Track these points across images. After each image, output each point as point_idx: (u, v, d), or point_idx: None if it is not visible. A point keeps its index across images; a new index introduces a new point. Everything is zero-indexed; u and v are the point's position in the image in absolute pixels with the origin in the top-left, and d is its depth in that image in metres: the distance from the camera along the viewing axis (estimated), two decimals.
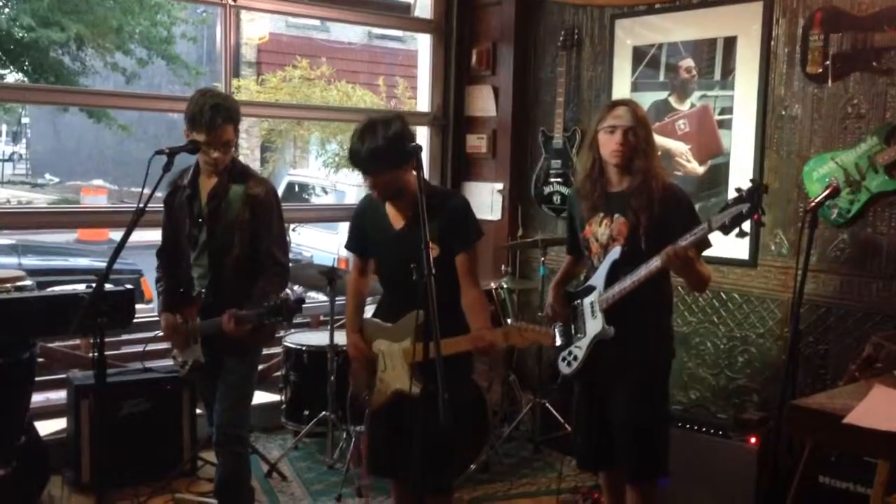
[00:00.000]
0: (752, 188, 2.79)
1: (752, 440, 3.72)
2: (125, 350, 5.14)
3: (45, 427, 4.25)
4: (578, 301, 3.22)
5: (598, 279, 3.13)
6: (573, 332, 3.23)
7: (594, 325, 3.11)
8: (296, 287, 7.81)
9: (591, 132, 3.16)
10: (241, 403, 3.38)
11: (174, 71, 13.45)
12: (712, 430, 3.83)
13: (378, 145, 2.80)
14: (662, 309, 3.24)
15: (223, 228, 3.23)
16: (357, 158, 2.89)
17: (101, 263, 7.48)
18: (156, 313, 3.60)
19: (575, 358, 3.19)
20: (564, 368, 3.26)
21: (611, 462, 3.24)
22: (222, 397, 3.33)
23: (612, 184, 3.14)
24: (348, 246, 3.27)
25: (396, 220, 3.02)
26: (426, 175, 3.51)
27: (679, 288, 4.07)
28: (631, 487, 3.20)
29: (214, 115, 3.09)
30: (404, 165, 2.85)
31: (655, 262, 2.93)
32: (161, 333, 3.42)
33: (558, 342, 3.30)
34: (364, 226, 3.16)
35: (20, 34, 11.50)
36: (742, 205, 2.78)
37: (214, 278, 3.27)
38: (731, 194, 4.12)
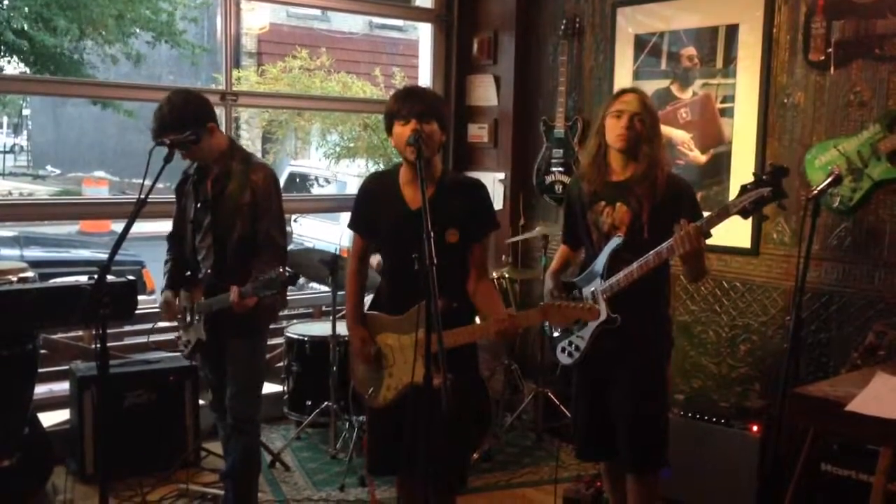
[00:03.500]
0: (775, 171, 2.79)
1: (754, 428, 3.72)
2: (128, 341, 5.14)
3: (49, 418, 4.27)
4: (577, 290, 3.21)
5: (598, 268, 3.12)
6: (571, 322, 3.22)
7: None
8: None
9: (599, 118, 3.17)
10: (251, 388, 3.45)
11: (180, 53, 13.43)
12: (714, 419, 3.84)
13: (437, 95, 2.93)
14: (662, 298, 3.24)
15: (226, 211, 3.31)
16: (418, 93, 2.92)
17: (103, 255, 7.48)
18: (158, 305, 3.62)
19: (576, 348, 3.18)
20: (565, 359, 3.25)
21: (611, 452, 3.24)
22: (231, 382, 3.40)
23: (616, 172, 3.14)
24: (352, 224, 3.11)
25: (414, 199, 2.90)
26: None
27: (681, 277, 4.06)
28: (632, 477, 3.20)
29: (154, 133, 3.20)
30: (445, 132, 2.90)
31: (666, 245, 2.92)
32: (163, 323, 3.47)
33: (556, 333, 3.29)
34: (372, 204, 3.04)
35: (19, 26, 11.48)
36: (763, 188, 2.78)
37: (217, 259, 3.35)
38: (735, 181, 4.15)
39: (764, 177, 2.82)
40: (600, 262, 3.11)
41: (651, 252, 2.97)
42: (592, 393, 3.24)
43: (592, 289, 3.13)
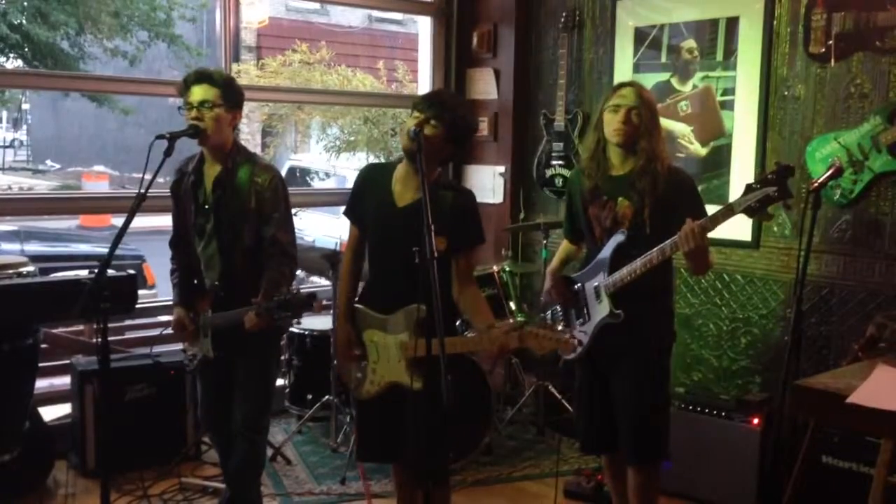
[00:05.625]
0: (781, 170, 2.78)
1: (755, 421, 3.73)
2: (129, 335, 5.14)
3: (50, 412, 4.27)
4: (579, 285, 3.21)
5: (601, 263, 3.12)
6: (574, 316, 3.23)
7: (600, 309, 3.10)
8: (299, 272, 7.82)
9: (598, 112, 3.16)
10: (263, 399, 3.37)
11: (175, 53, 13.40)
12: (715, 411, 3.84)
13: (460, 107, 2.89)
14: (665, 292, 3.23)
15: (230, 218, 3.20)
16: (440, 97, 2.93)
17: (103, 249, 7.47)
18: (158, 299, 3.61)
19: (579, 343, 3.18)
20: (568, 353, 3.25)
21: (613, 445, 3.24)
22: (242, 395, 3.30)
23: (615, 166, 3.13)
24: (348, 212, 3.09)
25: (402, 196, 2.90)
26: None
27: (682, 270, 4.06)
28: (633, 470, 3.20)
29: (188, 77, 3.17)
30: (452, 145, 2.85)
31: (670, 242, 2.92)
32: (171, 324, 3.42)
33: (559, 328, 3.28)
34: (363, 195, 3.02)
35: (18, 21, 11.47)
36: (769, 187, 2.77)
37: (224, 270, 3.24)
38: (735, 174, 4.14)
39: (769, 176, 2.80)
40: (603, 258, 3.11)
41: (654, 249, 2.95)
42: (595, 386, 3.24)
43: (595, 284, 3.12)
